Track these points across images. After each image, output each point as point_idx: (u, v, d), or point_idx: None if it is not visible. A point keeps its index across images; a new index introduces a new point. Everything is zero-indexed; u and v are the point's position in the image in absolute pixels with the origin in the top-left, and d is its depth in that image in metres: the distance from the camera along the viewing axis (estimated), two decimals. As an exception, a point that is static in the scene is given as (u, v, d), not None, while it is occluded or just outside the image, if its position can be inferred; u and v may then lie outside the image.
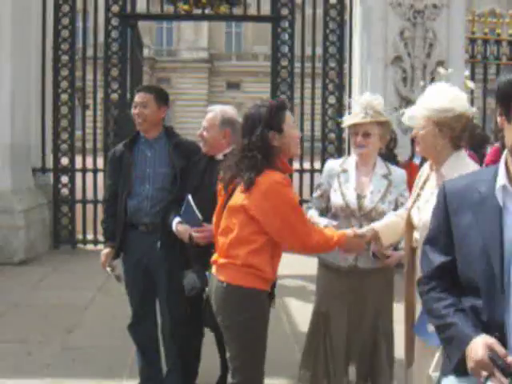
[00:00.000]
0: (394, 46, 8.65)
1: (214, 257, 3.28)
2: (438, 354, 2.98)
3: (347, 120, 3.82)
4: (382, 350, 3.76)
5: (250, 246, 3.12)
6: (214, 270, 3.28)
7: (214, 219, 3.39)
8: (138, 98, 4.17)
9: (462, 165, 3.13)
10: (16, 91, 8.55)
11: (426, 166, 3.35)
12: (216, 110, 3.96)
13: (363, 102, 3.73)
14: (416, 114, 3.18)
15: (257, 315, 3.19)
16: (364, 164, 3.80)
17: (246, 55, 49.02)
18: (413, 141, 8.16)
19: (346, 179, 3.77)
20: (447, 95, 3.14)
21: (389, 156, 6.29)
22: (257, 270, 3.13)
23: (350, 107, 3.88)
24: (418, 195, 3.27)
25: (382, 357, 3.76)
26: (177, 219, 3.88)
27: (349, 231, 3.46)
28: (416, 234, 3.21)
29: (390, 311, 3.83)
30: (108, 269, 4.29)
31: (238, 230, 3.14)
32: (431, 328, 3.02)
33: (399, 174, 3.86)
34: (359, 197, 3.70)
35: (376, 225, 3.55)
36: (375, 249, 3.61)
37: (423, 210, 3.13)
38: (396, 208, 3.72)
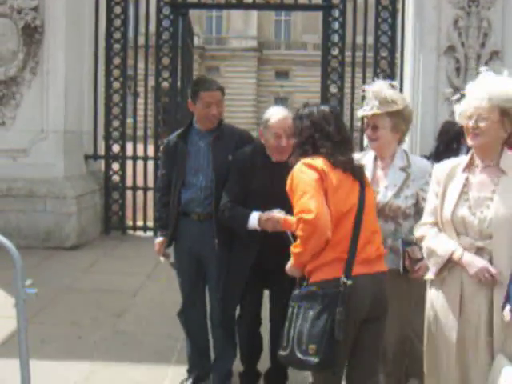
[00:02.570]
0: (448, 36, 8.48)
1: (373, 252, 3.13)
2: None
3: (359, 112, 3.59)
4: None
5: None
6: (365, 268, 3.07)
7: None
8: (211, 97, 4.08)
9: None
10: (69, 80, 8.70)
11: (449, 170, 3.10)
12: (287, 114, 3.82)
13: (371, 91, 3.49)
14: (475, 104, 2.94)
15: None
16: (381, 157, 3.58)
17: (295, 44, 48.81)
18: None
19: None
20: (509, 84, 2.95)
21: None
22: None
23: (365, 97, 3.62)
24: (464, 193, 3.01)
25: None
26: (256, 213, 3.76)
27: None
28: (468, 239, 2.97)
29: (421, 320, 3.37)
30: (161, 258, 4.36)
31: None
32: None
33: (421, 166, 3.59)
34: None
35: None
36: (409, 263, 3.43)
37: (491, 208, 2.91)
38: (417, 203, 3.48)
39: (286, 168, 3.77)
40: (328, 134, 3.16)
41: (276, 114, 3.83)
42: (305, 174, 3.08)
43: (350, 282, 2.95)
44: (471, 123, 2.96)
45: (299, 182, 3.09)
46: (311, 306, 2.98)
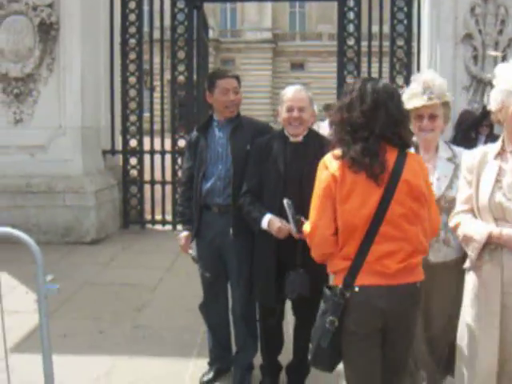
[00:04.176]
0: (465, 23, 8.39)
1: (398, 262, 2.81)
2: None
3: (411, 102, 3.41)
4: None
5: None
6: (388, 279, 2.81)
7: None
8: (228, 84, 4.12)
9: None
10: (86, 75, 8.74)
11: (480, 157, 3.03)
12: (301, 88, 3.91)
13: (426, 80, 3.41)
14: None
15: None
16: (427, 149, 3.49)
17: (310, 35, 48.59)
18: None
19: None
20: None
21: None
22: None
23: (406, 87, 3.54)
24: (498, 181, 2.94)
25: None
26: (268, 216, 3.75)
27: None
28: (508, 224, 2.89)
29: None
30: (190, 251, 4.35)
31: None
32: None
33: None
34: None
35: None
36: None
37: None
38: None
39: (302, 149, 3.78)
40: (342, 122, 2.83)
41: (291, 89, 3.91)
42: (320, 176, 2.87)
43: (347, 294, 2.80)
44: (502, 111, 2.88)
45: (316, 179, 2.90)
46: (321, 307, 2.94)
